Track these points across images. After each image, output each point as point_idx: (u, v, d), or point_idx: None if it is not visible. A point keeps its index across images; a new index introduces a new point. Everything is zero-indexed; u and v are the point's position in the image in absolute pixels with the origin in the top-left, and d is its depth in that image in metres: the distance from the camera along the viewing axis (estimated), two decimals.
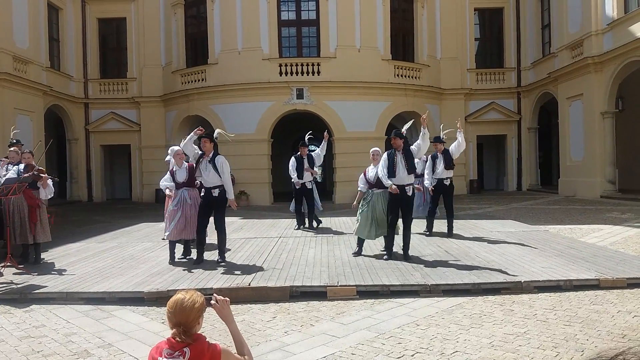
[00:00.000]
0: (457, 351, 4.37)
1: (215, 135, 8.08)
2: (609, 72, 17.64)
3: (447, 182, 10.17)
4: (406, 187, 7.87)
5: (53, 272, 7.56)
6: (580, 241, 9.60)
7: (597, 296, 5.98)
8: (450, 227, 10.22)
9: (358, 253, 8.31)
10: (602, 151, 18.19)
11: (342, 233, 11.02)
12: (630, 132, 19.32)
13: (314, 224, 11.79)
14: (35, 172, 8.05)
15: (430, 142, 10.31)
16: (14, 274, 7.51)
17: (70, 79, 22.85)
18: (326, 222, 11.84)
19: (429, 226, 10.49)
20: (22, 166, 8.27)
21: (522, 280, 6.38)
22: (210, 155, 7.80)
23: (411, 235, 8.25)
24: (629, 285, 6.31)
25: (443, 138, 10.32)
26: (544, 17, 22.60)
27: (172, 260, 7.93)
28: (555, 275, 6.59)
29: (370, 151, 8.58)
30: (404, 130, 8.14)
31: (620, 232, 10.82)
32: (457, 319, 5.27)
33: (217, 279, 6.77)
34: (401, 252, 8.06)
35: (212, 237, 8.38)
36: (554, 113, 21.96)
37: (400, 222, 8.07)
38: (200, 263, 7.76)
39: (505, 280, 6.42)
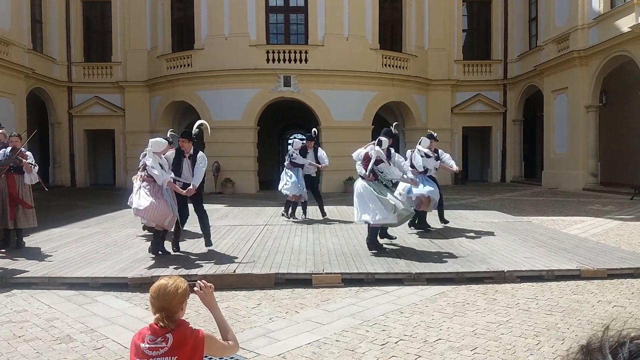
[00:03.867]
0: (440, 339, 4.41)
1: (195, 130, 7.84)
2: (594, 66, 17.81)
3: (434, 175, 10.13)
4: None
5: (35, 257, 7.45)
6: (563, 232, 9.73)
7: (578, 286, 6.07)
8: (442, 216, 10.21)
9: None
10: (586, 144, 18.42)
11: (328, 221, 11.02)
12: (613, 126, 19.57)
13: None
14: (20, 156, 7.91)
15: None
16: None
17: (53, 62, 22.45)
18: (312, 210, 11.81)
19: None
20: (8, 149, 8.10)
21: (505, 270, 6.46)
22: (191, 152, 7.67)
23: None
24: (609, 275, 6.42)
25: (436, 136, 10.23)
26: (531, 10, 22.71)
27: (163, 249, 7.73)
28: (537, 266, 6.68)
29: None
30: (395, 130, 8.09)
31: (602, 224, 10.98)
32: (441, 307, 5.32)
33: (202, 266, 6.75)
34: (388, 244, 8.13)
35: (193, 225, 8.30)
36: (539, 106, 22.16)
37: None
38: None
39: (488, 270, 6.49)
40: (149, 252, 7.50)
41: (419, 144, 9.74)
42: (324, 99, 19.89)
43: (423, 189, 8.98)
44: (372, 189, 7.63)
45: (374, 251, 7.66)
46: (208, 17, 20.19)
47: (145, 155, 7.93)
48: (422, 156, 9.32)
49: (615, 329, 0.72)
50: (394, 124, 9.16)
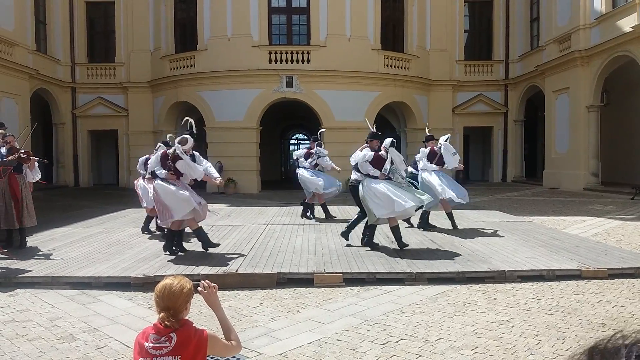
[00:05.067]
0: (441, 338, 4.44)
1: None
2: (596, 66, 17.80)
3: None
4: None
5: (38, 257, 7.51)
6: (563, 232, 9.74)
7: (578, 286, 6.09)
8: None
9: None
10: (587, 144, 18.41)
11: (329, 221, 11.04)
12: (614, 126, 19.55)
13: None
14: (23, 155, 7.95)
15: (422, 141, 10.33)
16: None
17: (57, 63, 22.50)
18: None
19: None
20: (4, 150, 8.13)
21: (506, 270, 6.48)
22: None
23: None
24: (609, 275, 6.43)
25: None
26: (533, 10, 22.70)
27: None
28: (538, 265, 6.70)
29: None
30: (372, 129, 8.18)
31: (602, 223, 10.99)
32: (442, 306, 5.35)
33: (204, 265, 6.78)
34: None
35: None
36: (540, 106, 22.14)
37: None
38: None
39: (489, 269, 6.51)
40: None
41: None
42: (325, 100, 19.92)
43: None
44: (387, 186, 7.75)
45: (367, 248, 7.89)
46: (211, 18, 20.23)
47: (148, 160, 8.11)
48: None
49: (625, 331, 0.73)
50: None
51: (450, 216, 9.88)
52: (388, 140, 8.10)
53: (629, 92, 18.68)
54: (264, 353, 4.17)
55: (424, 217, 9.91)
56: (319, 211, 11.59)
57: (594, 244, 8.35)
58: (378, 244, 8.06)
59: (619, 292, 5.81)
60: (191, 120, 8.25)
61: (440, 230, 9.67)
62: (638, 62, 15.75)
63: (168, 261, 7.11)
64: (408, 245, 7.92)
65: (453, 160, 9.90)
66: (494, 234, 9.25)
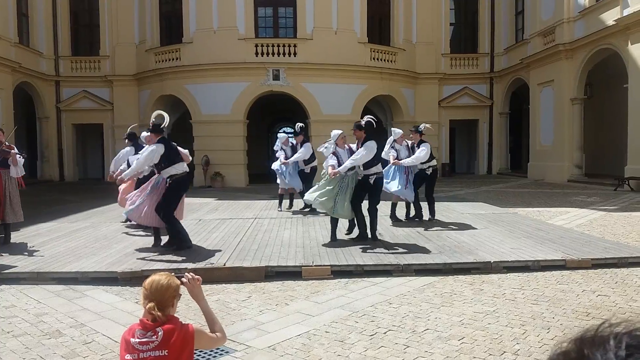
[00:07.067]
0: (428, 329, 4.48)
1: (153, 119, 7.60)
2: (579, 59, 17.98)
3: (429, 171, 9.99)
4: (370, 177, 7.92)
5: (23, 252, 7.41)
6: (548, 223, 9.85)
7: (563, 276, 6.17)
8: (431, 211, 10.11)
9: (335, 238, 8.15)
10: (571, 137, 18.63)
11: (317, 214, 11.05)
12: (598, 118, 19.79)
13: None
14: (5, 149, 7.83)
15: (410, 130, 10.30)
16: None
17: (40, 56, 22.20)
18: (301, 203, 11.85)
19: (417, 210, 10.16)
20: None
21: (492, 261, 6.55)
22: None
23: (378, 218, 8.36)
24: (593, 265, 6.53)
25: (421, 129, 10.06)
26: (518, 3, 22.85)
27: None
28: (523, 256, 6.78)
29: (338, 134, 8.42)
30: (364, 121, 8.13)
31: (586, 214, 11.13)
32: (429, 297, 5.39)
33: (192, 259, 6.76)
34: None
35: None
36: (525, 99, 22.33)
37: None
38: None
39: (475, 261, 6.58)
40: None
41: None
42: (312, 93, 19.89)
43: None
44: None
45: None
46: (196, 10, 20.06)
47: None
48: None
49: (613, 320, 0.73)
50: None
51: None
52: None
53: (612, 85, 18.88)
54: (252, 346, 4.17)
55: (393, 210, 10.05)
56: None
57: (578, 235, 8.46)
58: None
59: (602, 282, 5.90)
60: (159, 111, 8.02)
61: (427, 223, 9.73)
62: (621, 55, 15.94)
63: (155, 256, 7.08)
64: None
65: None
66: (480, 225, 9.32)
